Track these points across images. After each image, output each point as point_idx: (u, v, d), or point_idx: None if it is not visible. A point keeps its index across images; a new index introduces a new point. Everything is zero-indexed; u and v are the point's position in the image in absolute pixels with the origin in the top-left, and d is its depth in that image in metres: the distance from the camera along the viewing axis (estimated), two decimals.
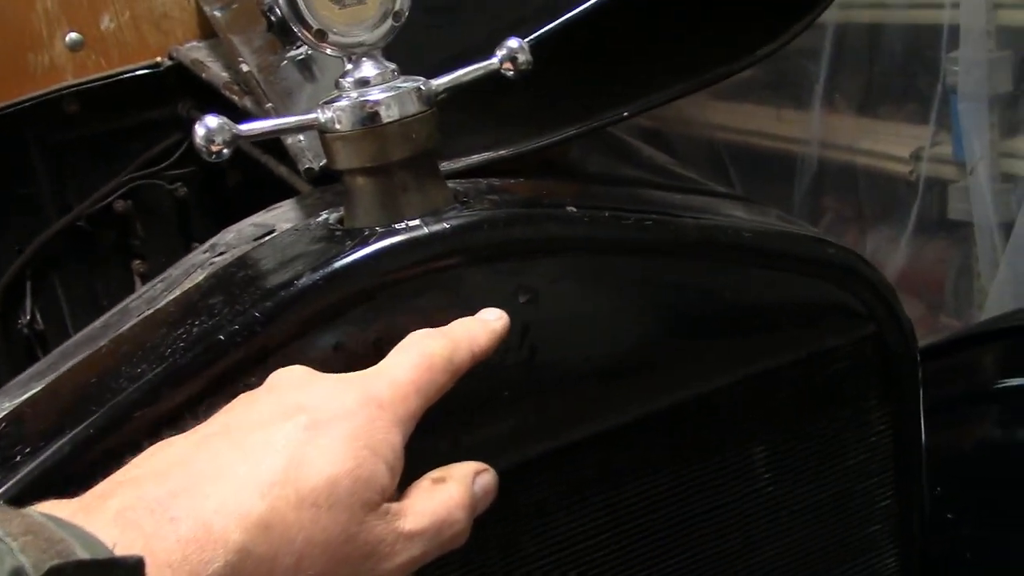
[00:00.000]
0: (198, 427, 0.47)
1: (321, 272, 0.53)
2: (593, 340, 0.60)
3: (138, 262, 1.21)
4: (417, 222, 0.55)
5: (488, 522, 0.60)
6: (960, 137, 1.85)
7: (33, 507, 0.40)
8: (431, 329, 0.53)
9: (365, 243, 0.55)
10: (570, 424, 0.61)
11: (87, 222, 1.17)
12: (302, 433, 0.45)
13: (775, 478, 0.68)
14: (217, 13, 1.09)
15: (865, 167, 2.19)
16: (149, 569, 0.38)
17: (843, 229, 2.28)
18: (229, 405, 0.49)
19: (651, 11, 0.70)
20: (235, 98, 0.91)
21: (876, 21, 2.05)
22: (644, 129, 2.46)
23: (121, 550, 0.38)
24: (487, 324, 0.54)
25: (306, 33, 0.55)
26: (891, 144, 2.10)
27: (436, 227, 0.55)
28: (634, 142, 0.93)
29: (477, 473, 0.51)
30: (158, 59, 1.18)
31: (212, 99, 1.03)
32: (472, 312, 0.56)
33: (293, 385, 0.49)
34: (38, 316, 1.17)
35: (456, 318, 0.55)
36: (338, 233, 0.57)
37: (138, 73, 1.17)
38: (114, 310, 0.67)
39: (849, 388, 0.68)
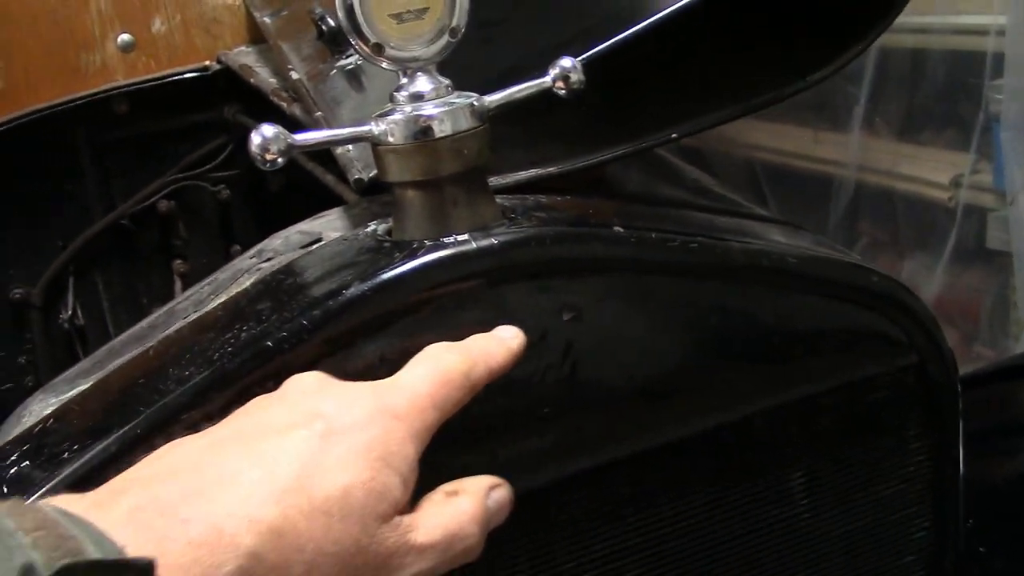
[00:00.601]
0: (212, 429, 0.47)
1: (369, 283, 0.54)
2: (635, 360, 0.60)
3: (179, 262, 1.22)
4: (465, 237, 0.56)
5: (521, 536, 0.60)
6: (1001, 166, 1.84)
7: (47, 501, 0.40)
8: (449, 343, 0.52)
9: (414, 255, 0.55)
10: (608, 443, 0.61)
11: (131, 221, 1.19)
12: (317, 441, 0.45)
13: (812, 504, 0.68)
14: (267, 19, 1.10)
15: (903, 192, 2.17)
16: (160, 571, 0.38)
17: (879, 254, 2.26)
18: (243, 408, 0.49)
19: (703, 33, 0.70)
20: (283, 105, 0.92)
21: (920, 46, 2.04)
22: (683, 147, 2.46)
23: (132, 551, 0.39)
24: (504, 342, 0.54)
25: (363, 46, 0.56)
26: (931, 170, 2.09)
27: (484, 242, 0.56)
28: (677, 162, 0.93)
29: (492, 487, 0.50)
30: (207, 63, 1.19)
31: (259, 104, 1.05)
32: (521, 327, 0.56)
33: (309, 392, 0.48)
34: (79, 311, 1.19)
35: None
36: (387, 244, 0.58)
37: (187, 76, 1.19)
38: (161, 311, 0.68)
39: (889, 417, 0.68)
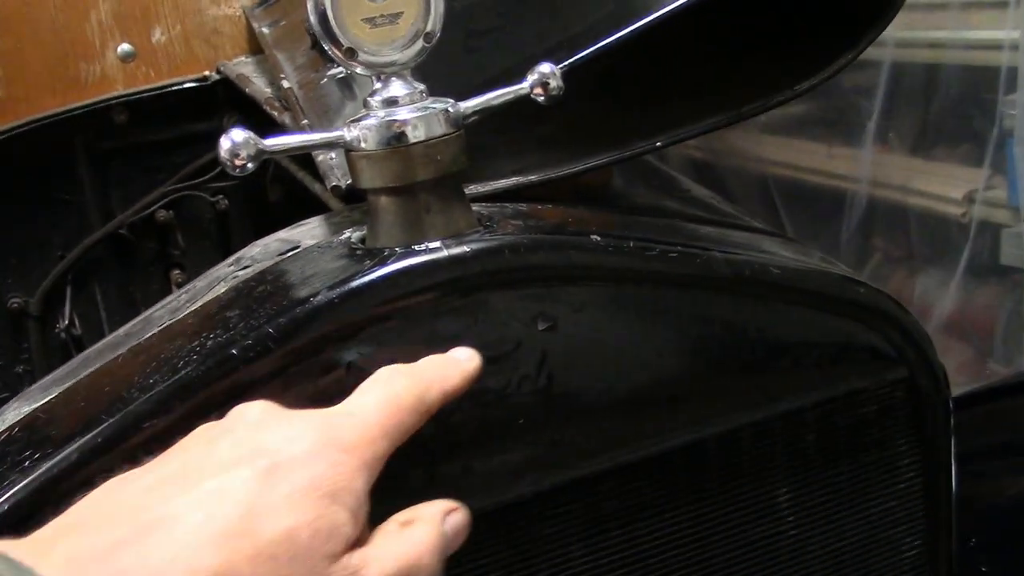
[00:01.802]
0: (154, 464, 0.46)
1: (337, 291, 0.53)
2: (613, 371, 0.59)
3: (177, 272, 1.22)
4: (437, 244, 0.55)
5: (499, 551, 0.59)
6: (1015, 182, 1.83)
7: None
8: (401, 365, 0.51)
9: (384, 263, 0.54)
10: (587, 456, 0.60)
11: (129, 230, 1.19)
12: (261, 480, 0.43)
13: (798, 521, 0.66)
14: (265, 30, 1.10)
15: (917, 208, 2.16)
16: None
17: (892, 270, 2.24)
18: (187, 439, 0.47)
19: (689, 42, 0.69)
20: (275, 113, 0.92)
21: (933, 61, 2.02)
22: (695, 161, 2.45)
23: None
24: (459, 364, 0.52)
25: (336, 51, 0.55)
26: (944, 185, 2.07)
27: (456, 250, 0.55)
28: (675, 174, 0.92)
29: (447, 512, 0.49)
30: (206, 73, 1.19)
31: (256, 114, 1.05)
32: (490, 338, 0.55)
33: (253, 425, 0.46)
34: (76, 321, 1.19)
35: (475, 345, 0.55)
36: (359, 252, 0.57)
37: (186, 86, 1.19)
38: (138, 319, 0.67)
39: (876, 432, 0.66)
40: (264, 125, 1.03)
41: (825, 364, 0.64)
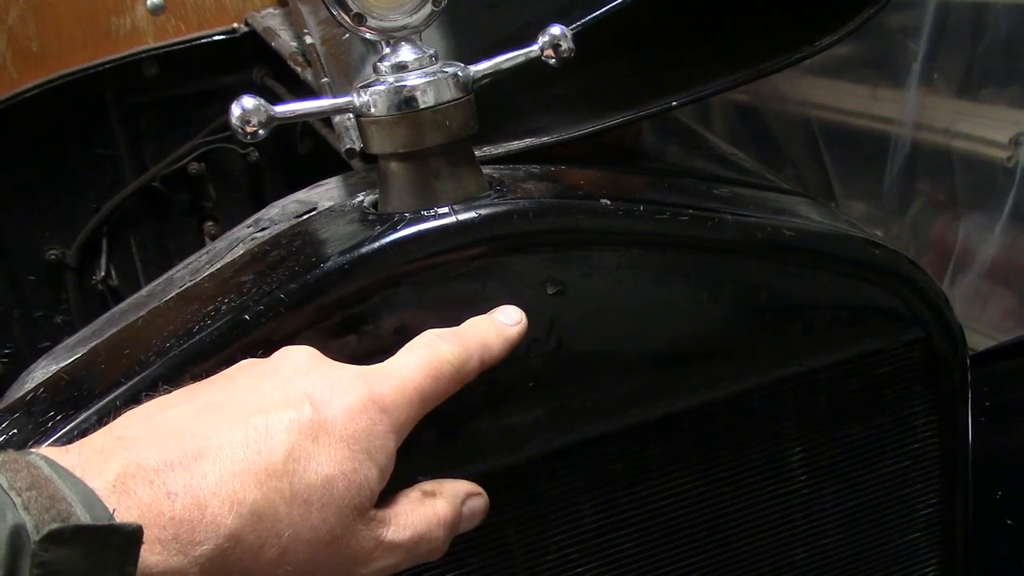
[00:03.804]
0: (201, 389, 0.47)
1: (348, 256, 0.54)
2: (622, 335, 0.60)
3: (210, 223, 1.24)
4: (446, 209, 0.55)
5: (510, 509, 0.60)
6: None
7: (38, 451, 0.41)
8: (446, 331, 0.52)
9: (394, 229, 0.55)
10: (596, 417, 0.60)
11: (162, 183, 1.21)
12: (305, 427, 0.45)
13: (810, 480, 0.67)
14: None
15: (961, 151, 2.11)
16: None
17: (935, 214, 2.20)
18: (233, 371, 0.48)
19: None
20: (299, 69, 0.92)
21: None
22: (739, 105, 2.42)
23: (118, 518, 0.39)
24: (503, 332, 0.53)
25: (345, 16, 0.55)
26: (990, 128, 2.02)
27: (465, 215, 0.55)
28: (702, 131, 0.91)
29: (469, 495, 0.51)
30: (235, 25, 1.19)
31: (284, 67, 1.05)
32: (500, 302, 0.56)
33: (301, 369, 0.48)
34: (113, 272, 1.21)
35: (484, 309, 0.55)
36: (370, 217, 0.57)
37: (215, 39, 1.19)
38: (161, 279, 0.68)
39: (891, 393, 0.66)
40: (292, 79, 1.03)
41: (839, 326, 0.64)
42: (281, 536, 0.43)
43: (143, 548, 0.39)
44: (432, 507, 0.49)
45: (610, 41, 0.66)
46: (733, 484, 0.64)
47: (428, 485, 0.50)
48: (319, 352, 0.50)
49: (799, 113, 2.47)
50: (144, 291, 0.67)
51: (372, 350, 0.53)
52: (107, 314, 0.67)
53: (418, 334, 0.52)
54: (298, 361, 0.49)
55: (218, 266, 0.62)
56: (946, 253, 2.12)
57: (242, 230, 0.67)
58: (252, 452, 0.43)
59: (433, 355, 0.50)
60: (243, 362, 0.50)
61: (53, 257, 1.19)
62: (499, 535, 0.60)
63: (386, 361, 0.50)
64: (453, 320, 0.54)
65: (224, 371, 0.49)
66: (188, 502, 0.41)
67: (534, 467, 0.60)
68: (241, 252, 0.61)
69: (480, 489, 0.52)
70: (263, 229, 0.65)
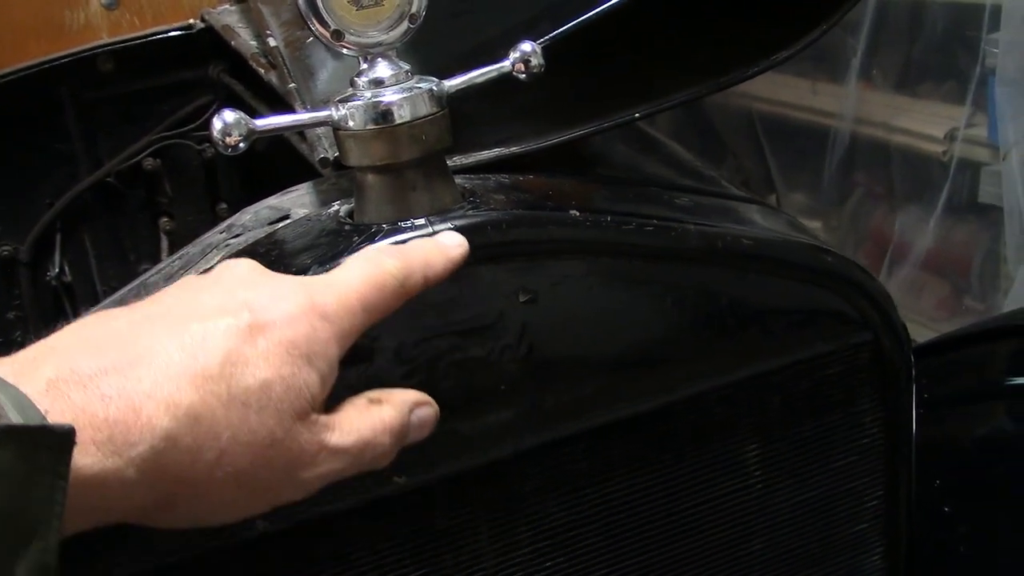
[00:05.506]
0: (140, 303, 0.47)
1: (327, 267, 0.55)
2: (590, 340, 0.62)
3: (165, 220, 1.23)
4: (422, 221, 0.57)
5: (483, 507, 0.63)
6: (996, 121, 1.84)
7: None
8: (390, 246, 0.52)
9: (371, 240, 0.56)
10: (565, 419, 0.63)
11: (117, 179, 1.20)
12: (243, 332, 0.45)
13: (765, 476, 0.70)
14: None
15: (898, 145, 2.17)
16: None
17: (873, 206, 2.27)
18: (171, 288, 0.48)
19: (668, 13, 0.71)
20: (261, 71, 0.93)
21: None
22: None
23: (51, 420, 0.39)
24: (445, 252, 0.53)
25: (323, 32, 0.57)
26: (926, 123, 2.09)
27: (440, 227, 0.57)
28: (659, 136, 0.94)
29: (416, 404, 0.50)
30: (191, 21, 1.19)
31: (243, 64, 1.05)
32: (474, 311, 0.58)
33: (241, 281, 0.48)
34: (67, 269, 1.21)
35: (459, 317, 0.57)
36: (347, 227, 0.59)
37: (171, 34, 1.19)
38: (132, 284, 0.69)
39: (841, 392, 0.69)
40: (249, 76, 1.04)
41: (793, 330, 0.67)
42: (219, 438, 0.43)
43: (77, 450, 0.39)
44: (379, 413, 0.49)
45: (575, 53, 0.68)
46: (693, 480, 0.67)
47: (375, 393, 0.50)
48: (260, 264, 0.50)
49: (741, 106, 2.52)
50: (116, 295, 0.68)
51: (349, 359, 0.54)
52: (78, 321, 0.68)
53: (394, 343, 0.54)
54: (238, 273, 0.49)
55: (193, 272, 0.63)
56: (883, 244, 2.18)
57: (215, 236, 0.68)
58: (188, 356, 0.43)
59: (376, 268, 0.50)
60: (185, 278, 0.50)
61: (6, 253, 1.18)
62: (472, 532, 0.63)
63: (327, 272, 0.50)
64: (428, 328, 0.56)
65: (166, 287, 0.49)
66: (122, 404, 0.41)
67: (506, 466, 0.62)
68: (218, 259, 0.63)
69: (430, 399, 0.51)
70: (236, 236, 0.66)
